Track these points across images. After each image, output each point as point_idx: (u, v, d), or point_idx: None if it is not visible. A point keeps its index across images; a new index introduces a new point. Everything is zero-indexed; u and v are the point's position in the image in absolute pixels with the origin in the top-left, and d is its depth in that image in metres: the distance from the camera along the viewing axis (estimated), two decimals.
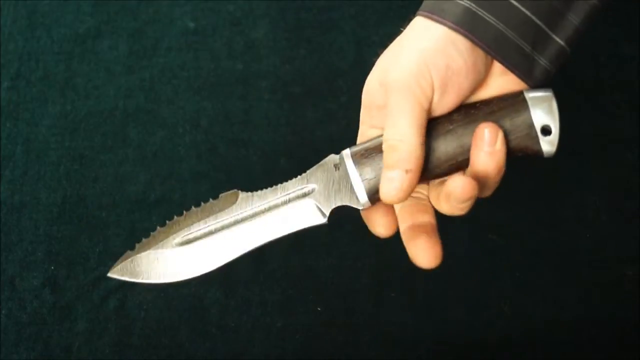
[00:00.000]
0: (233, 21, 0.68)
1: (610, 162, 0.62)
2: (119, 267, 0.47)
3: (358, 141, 0.47)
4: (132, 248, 0.47)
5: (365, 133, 0.46)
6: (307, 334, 0.55)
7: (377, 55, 0.45)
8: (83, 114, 0.64)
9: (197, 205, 0.47)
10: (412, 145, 0.40)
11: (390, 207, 0.45)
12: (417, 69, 0.40)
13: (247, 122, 0.64)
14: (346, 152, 0.44)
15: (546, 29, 0.40)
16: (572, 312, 0.56)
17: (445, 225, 0.59)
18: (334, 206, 0.45)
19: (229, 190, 0.46)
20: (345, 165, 0.44)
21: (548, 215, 0.60)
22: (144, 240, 0.47)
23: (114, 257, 0.58)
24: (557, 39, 0.41)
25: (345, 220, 0.59)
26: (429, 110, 0.41)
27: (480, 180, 0.42)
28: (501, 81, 0.43)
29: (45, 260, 0.58)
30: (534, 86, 0.42)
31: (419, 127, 0.41)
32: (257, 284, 0.57)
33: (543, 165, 0.61)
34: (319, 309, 0.56)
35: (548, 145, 0.42)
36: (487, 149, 0.41)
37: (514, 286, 0.57)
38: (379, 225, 0.45)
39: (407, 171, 0.41)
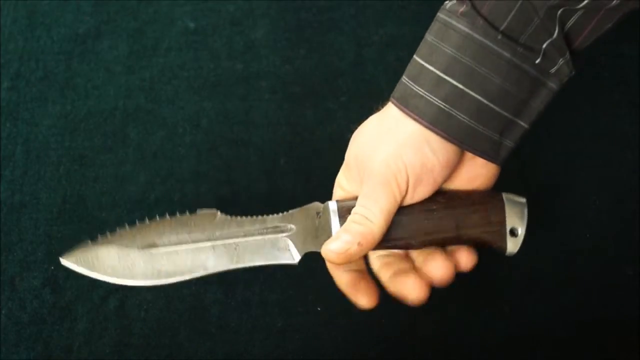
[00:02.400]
0: (233, 21, 0.68)
1: (610, 162, 0.62)
2: (75, 255, 0.46)
3: (335, 188, 0.49)
4: (93, 239, 0.46)
5: (341, 184, 0.49)
6: (307, 334, 0.55)
7: (351, 132, 0.47)
8: (83, 114, 0.64)
9: (172, 215, 0.46)
10: (376, 229, 0.44)
11: (367, 277, 0.48)
12: (394, 165, 0.44)
13: (247, 122, 0.64)
14: (332, 206, 0.46)
15: (513, 118, 0.44)
16: (572, 312, 0.56)
17: None
18: (307, 250, 0.47)
19: (207, 209, 0.47)
20: (329, 217, 0.46)
21: (548, 215, 0.60)
22: (108, 234, 0.46)
23: None
24: (522, 124, 0.44)
25: None
26: (401, 202, 0.45)
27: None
28: (471, 164, 0.47)
29: (45, 260, 0.58)
30: (500, 164, 0.46)
31: (388, 218, 0.45)
32: (257, 284, 0.57)
33: (543, 166, 0.62)
34: (318, 309, 0.56)
35: (512, 245, 0.47)
36: (461, 270, 0.47)
37: (514, 286, 0.57)
38: (363, 296, 0.47)
39: (359, 244, 0.44)
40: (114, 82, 0.65)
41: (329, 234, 0.46)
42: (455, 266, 0.47)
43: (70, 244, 0.58)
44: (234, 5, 0.69)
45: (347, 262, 0.45)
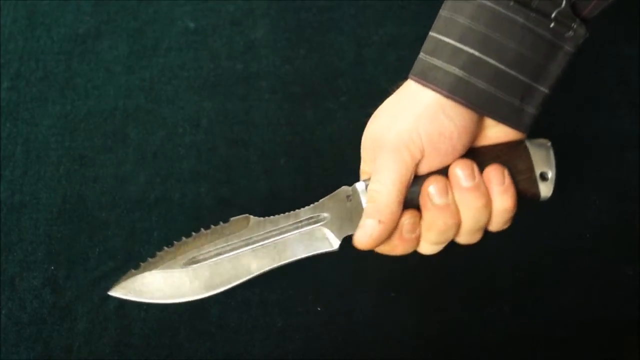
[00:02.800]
0: (233, 21, 0.68)
1: (610, 162, 0.62)
2: (121, 285, 0.47)
3: (360, 177, 0.50)
4: (136, 267, 0.47)
5: (364, 171, 0.50)
6: (307, 334, 0.55)
7: (369, 115, 0.47)
8: (83, 114, 0.64)
9: (207, 227, 0.47)
10: (389, 200, 0.45)
11: None
12: (408, 135, 0.44)
13: (247, 122, 0.64)
14: (360, 186, 0.48)
15: (532, 83, 0.44)
16: (572, 312, 0.56)
17: None
18: (345, 234, 0.48)
19: (241, 214, 0.48)
20: (359, 198, 0.47)
21: (548, 215, 0.60)
22: (149, 259, 0.47)
23: (114, 257, 0.58)
24: (542, 89, 0.45)
25: None
26: (413, 170, 0.45)
27: (495, 217, 0.47)
28: (496, 130, 0.47)
29: (45, 260, 0.58)
30: (525, 131, 0.46)
31: (400, 185, 0.45)
32: (257, 284, 0.57)
33: None
34: (319, 309, 0.56)
35: (546, 189, 0.47)
36: (498, 187, 0.46)
37: (514, 286, 0.57)
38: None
39: (379, 222, 0.45)
40: (114, 82, 0.65)
41: (361, 213, 0.47)
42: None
43: (70, 244, 0.58)
44: (234, 5, 0.69)
45: (380, 243, 0.46)
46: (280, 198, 0.60)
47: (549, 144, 0.47)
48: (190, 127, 0.63)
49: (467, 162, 0.46)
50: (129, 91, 0.65)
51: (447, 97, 0.44)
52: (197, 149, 0.62)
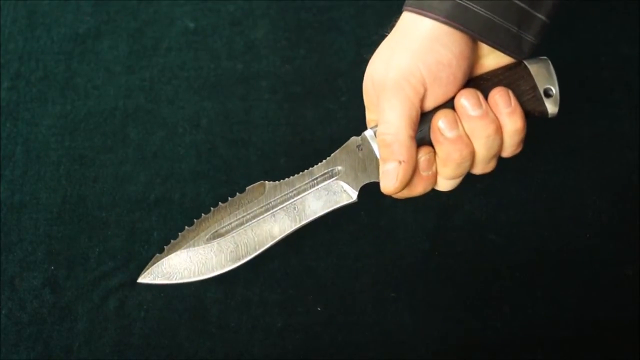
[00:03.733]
0: (233, 21, 0.68)
1: (610, 162, 0.62)
2: (149, 271, 0.48)
3: (368, 126, 0.49)
4: (161, 251, 0.48)
5: (370, 119, 0.49)
6: (307, 334, 0.55)
7: (369, 56, 0.47)
8: (83, 114, 0.64)
9: (224, 200, 0.48)
10: (402, 138, 0.44)
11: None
12: (407, 69, 0.44)
13: (247, 122, 0.64)
14: (369, 133, 0.47)
15: (529, 9, 0.44)
16: (572, 312, 0.56)
17: (445, 226, 0.60)
18: (362, 184, 0.48)
19: (255, 182, 0.48)
20: (370, 145, 0.47)
21: (548, 215, 0.60)
22: (172, 242, 0.48)
23: (114, 257, 0.58)
24: (540, 16, 0.44)
25: (345, 220, 0.59)
26: (419, 105, 0.45)
27: (507, 140, 0.46)
28: (493, 57, 0.47)
29: (45, 260, 0.58)
30: (524, 57, 0.46)
31: (409, 121, 0.44)
32: (257, 284, 0.57)
33: (543, 166, 0.62)
34: (319, 309, 0.56)
35: (552, 105, 0.47)
36: (505, 110, 0.45)
37: (514, 286, 0.57)
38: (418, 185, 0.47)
39: (400, 162, 0.44)
40: (114, 82, 0.65)
41: (375, 161, 0.47)
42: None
43: (70, 244, 0.58)
44: (234, 5, 0.69)
45: (408, 183, 0.45)
46: None
47: (546, 58, 0.47)
48: (190, 127, 0.63)
49: (471, 91, 0.45)
50: (129, 91, 0.65)
51: (445, 23, 0.43)
52: (197, 149, 0.62)
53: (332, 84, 0.66)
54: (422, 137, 0.46)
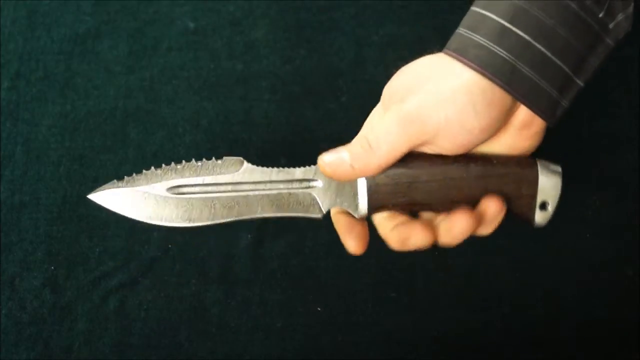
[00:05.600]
0: (233, 21, 0.68)
1: (610, 162, 0.62)
2: (102, 192, 0.47)
3: (364, 126, 0.48)
4: (120, 178, 0.47)
5: (372, 121, 0.48)
6: (307, 334, 0.55)
7: (397, 68, 0.46)
8: (83, 114, 0.64)
9: (198, 159, 0.47)
10: (374, 161, 0.43)
11: (364, 225, 0.48)
12: (427, 113, 0.42)
13: (247, 122, 0.64)
14: None
15: (572, 75, 0.42)
16: (572, 312, 0.56)
17: None
18: (332, 206, 0.47)
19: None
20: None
21: None
22: (134, 175, 0.47)
23: (114, 257, 0.58)
24: (579, 82, 0.43)
25: None
26: (413, 148, 0.44)
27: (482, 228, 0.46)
28: (515, 135, 0.45)
29: (45, 260, 0.58)
30: (553, 125, 0.44)
31: (394, 153, 0.43)
32: (257, 284, 0.57)
33: None
34: (319, 309, 0.56)
35: (541, 219, 0.46)
36: (491, 222, 0.45)
37: (514, 286, 0.57)
38: (354, 240, 0.47)
39: (351, 166, 0.44)
40: (114, 82, 0.65)
41: (354, 192, 0.46)
42: (480, 219, 0.45)
43: (70, 244, 0.58)
44: (234, 5, 0.69)
45: (335, 178, 0.45)
46: None
47: (560, 170, 0.46)
48: (190, 127, 0.63)
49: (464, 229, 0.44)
50: (129, 91, 0.65)
51: (490, 78, 0.41)
52: (197, 149, 0.62)
53: (332, 84, 0.66)
54: (396, 179, 0.45)
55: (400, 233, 0.46)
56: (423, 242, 0.45)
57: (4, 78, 0.66)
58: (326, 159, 0.45)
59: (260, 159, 0.62)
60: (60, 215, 0.60)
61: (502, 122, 0.43)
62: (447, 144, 0.43)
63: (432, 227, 0.46)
